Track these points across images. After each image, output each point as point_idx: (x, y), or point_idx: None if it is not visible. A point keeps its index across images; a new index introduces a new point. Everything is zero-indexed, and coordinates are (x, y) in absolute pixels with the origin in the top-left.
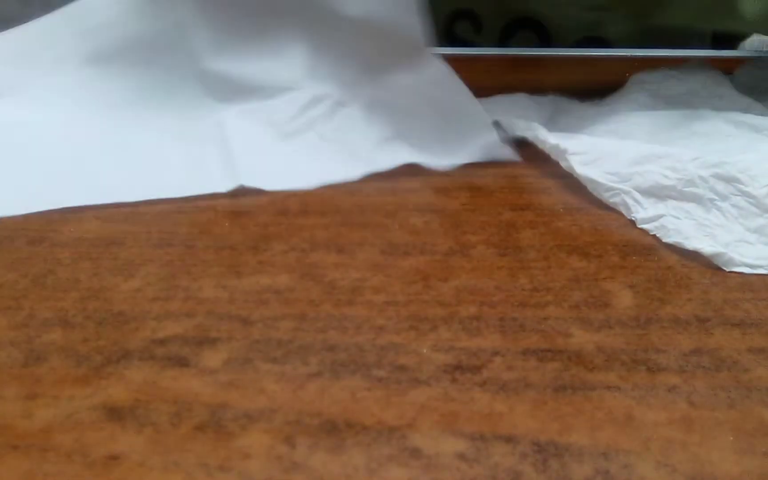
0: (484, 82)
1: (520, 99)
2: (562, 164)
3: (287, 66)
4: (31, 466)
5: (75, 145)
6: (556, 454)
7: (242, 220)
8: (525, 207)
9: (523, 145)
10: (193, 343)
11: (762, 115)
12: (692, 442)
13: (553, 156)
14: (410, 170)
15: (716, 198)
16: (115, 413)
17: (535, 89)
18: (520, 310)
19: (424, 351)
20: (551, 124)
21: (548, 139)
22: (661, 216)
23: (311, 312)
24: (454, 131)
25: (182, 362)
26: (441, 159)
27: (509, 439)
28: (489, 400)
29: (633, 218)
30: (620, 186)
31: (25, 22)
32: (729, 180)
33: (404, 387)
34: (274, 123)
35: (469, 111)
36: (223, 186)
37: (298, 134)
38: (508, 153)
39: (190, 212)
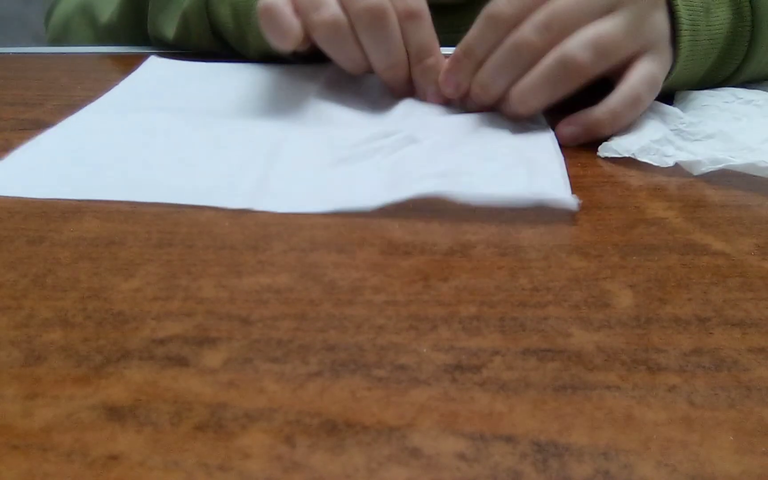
0: None
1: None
2: None
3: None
4: (31, 466)
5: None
6: (556, 454)
7: (242, 220)
8: (525, 207)
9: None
10: (193, 343)
11: None
12: (692, 442)
13: None
14: None
15: None
16: (115, 413)
17: None
18: (520, 310)
19: (424, 351)
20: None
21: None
22: None
23: (311, 312)
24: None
25: (182, 362)
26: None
27: (509, 439)
28: (489, 400)
29: None
30: None
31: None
32: None
33: (404, 387)
34: (334, 147)
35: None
36: (234, 203)
37: (354, 160)
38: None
39: (189, 212)
